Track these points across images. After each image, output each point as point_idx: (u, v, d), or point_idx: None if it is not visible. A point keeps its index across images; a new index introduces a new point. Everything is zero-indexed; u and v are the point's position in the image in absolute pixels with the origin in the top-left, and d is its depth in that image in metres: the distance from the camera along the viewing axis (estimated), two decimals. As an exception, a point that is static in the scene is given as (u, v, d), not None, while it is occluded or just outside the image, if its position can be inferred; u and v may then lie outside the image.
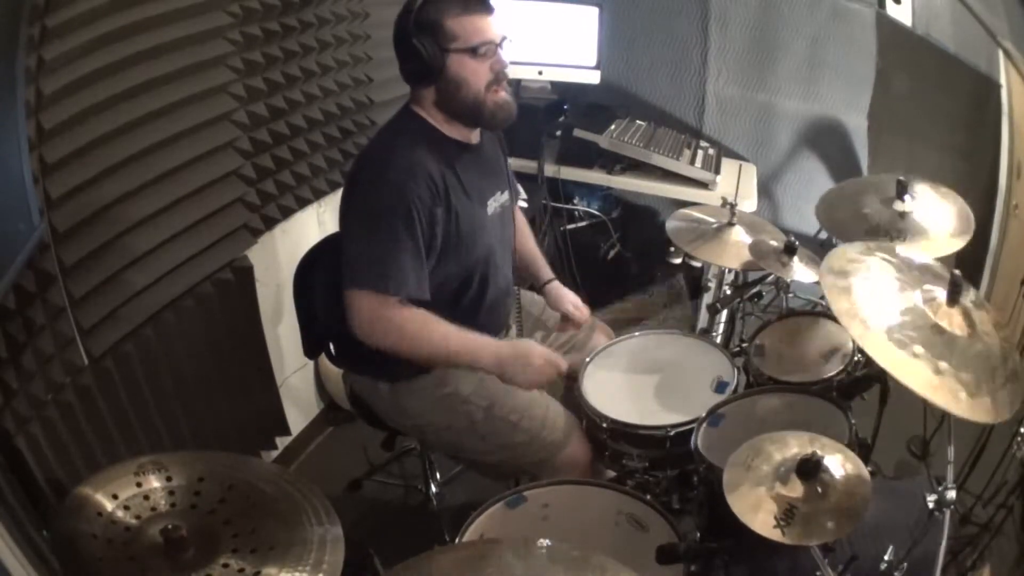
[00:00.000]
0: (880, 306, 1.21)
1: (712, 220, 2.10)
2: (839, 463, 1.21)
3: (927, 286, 1.26)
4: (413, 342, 1.51)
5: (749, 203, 2.57)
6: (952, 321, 1.19)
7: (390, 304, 1.49)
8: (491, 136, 1.75)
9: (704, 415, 1.55)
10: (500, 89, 1.56)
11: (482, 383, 1.66)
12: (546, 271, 1.95)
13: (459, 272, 1.62)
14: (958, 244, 1.75)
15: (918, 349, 1.14)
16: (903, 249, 1.39)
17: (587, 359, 1.81)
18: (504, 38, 1.55)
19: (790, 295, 2.03)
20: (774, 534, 1.13)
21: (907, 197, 1.81)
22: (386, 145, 1.59)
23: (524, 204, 2.74)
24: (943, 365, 1.13)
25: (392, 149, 1.55)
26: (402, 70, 1.56)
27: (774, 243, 1.95)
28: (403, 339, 1.51)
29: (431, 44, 1.49)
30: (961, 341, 1.18)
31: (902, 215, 1.80)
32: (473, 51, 1.50)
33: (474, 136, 1.65)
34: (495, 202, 1.69)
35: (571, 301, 1.89)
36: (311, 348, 1.91)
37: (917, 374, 1.11)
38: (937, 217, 1.80)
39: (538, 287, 1.93)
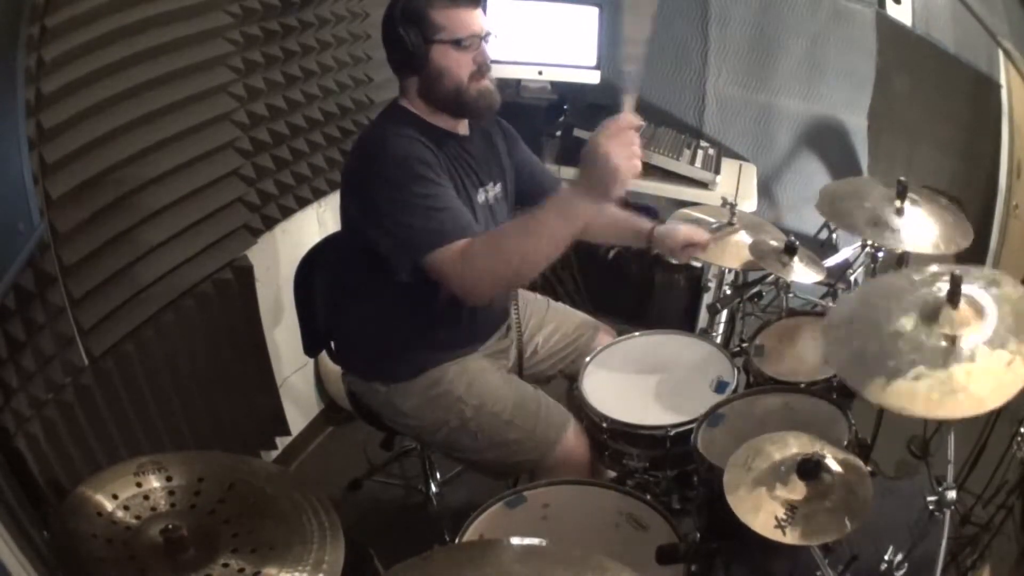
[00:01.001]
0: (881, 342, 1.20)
1: (712, 220, 2.10)
2: (839, 463, 1.21)
3: (927, 296, 1.25)
4: (504, 248, 1.43)
5: (749, 203, 2.57)
6: (958, 319, 1.18)
7: (460, 246, 1.44)
8: (485, 131, 1.75)
9: (704, 415, 1.55)
10: (482, 79, 1.57)
11: (473, 382, 1.66)
12: (643, 223, 1.90)
13: None
14: (956, 248, 1.75)
15: (921, 370, 1.12)
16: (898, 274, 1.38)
17: (587, 359, 1.81)
18: (488, 33, 1.58)
19: (790, 295, 2.03)
20: (775, 534, 1.13)
21: (908, 200, 1.81)
22: (377, 135, 1.61)
23: None
24: (951, 372, 1.11)
25: (383, 133, 1.57)
26: (389, 60, 1.59)
27: (774, 243, 1.95)
28: (496, 254, 1.42)
29: (416, 35, 1.51)
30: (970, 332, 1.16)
31: (900, 212, 1.81)
32: (457, 43, 1.52)
33: (461, 127, 1.66)
34: (484, 192, 1.69)
35: (684, 232, 1.85)
36: (311, 346, 1.92)
37: (921, 399, 1.09)
38: (936, 221, 1.81)
39: (647, 239, 1.87)
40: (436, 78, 1.55)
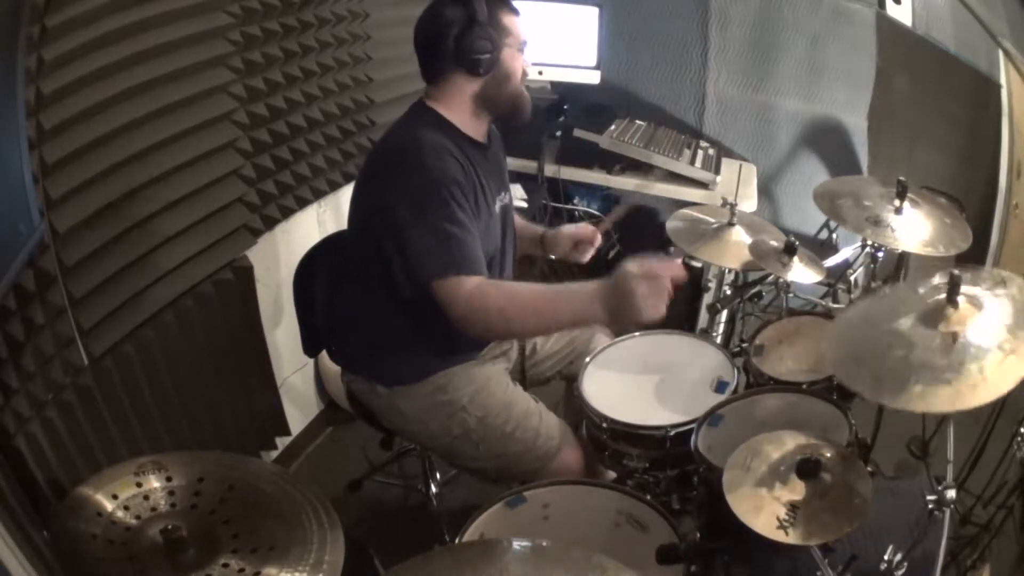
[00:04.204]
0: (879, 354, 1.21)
1: (712, 220, 2.10)
2: (839, 463, 1.21)
3: (926, 299, 1.25)
4: (512, 316, 1.45)
5: (749, 203, 2.57)
6: (955, 319, 1.19)
7: (474, 285, 1.45)
8: (498, 139, 1.78)
9: (704, 415, 1.55)
10: (523, 81, 1.66)
11: (478, 392, 1.66)
12: (536, 229, 1.98)
13: None
14: (955, 250, 1.76)
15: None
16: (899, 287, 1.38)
17: (587, 359, 1.81)
18: None
19: (790, 295, 2.04)
20: (776, 534, 1.13)
21: (907, 201, 1.81)
22: (410, 134, 1.57)
23: (524, 204, 2.74)
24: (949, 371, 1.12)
25: (418, 136, 1.54)
26: (434, 61, 1.59)
27: (774, 243, 1.95)
28: (502, 317, 1.45)
29: (496, 38, 1.57)
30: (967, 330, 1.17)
31: (899, 211, 1.81)
32: (522, 48, 1.63)
33: (484, 135, 1.68)
34: (500, 201, 1.71)
35: (568, 230, 1.90)
36: (311, 346, 1.92)
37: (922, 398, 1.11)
38: (934, 222, 1.81)
39: (539, 242, 1.94)
40: (503, 81, 1.60)
